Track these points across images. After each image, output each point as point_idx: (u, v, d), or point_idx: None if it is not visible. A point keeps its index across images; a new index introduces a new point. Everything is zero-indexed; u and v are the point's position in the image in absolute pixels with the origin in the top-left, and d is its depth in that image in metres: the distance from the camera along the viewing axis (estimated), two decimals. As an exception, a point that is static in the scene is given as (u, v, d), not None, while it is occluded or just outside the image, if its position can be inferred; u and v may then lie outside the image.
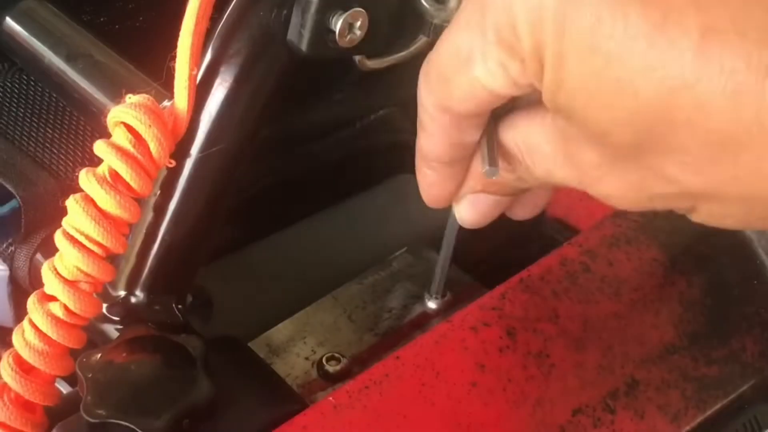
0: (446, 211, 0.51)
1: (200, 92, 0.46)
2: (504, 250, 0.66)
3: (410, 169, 0.68)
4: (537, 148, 0.38)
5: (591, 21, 0.31)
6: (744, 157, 0.30)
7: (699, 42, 0.29)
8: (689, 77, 0.29)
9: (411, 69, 0.66)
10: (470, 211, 0.43)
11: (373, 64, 0.49)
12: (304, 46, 0.44)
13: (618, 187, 0.35)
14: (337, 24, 0.44)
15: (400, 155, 0.71)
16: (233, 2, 0.46)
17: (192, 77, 0.44)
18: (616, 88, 0.31)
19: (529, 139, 0.38)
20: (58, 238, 0.43)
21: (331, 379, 0.51)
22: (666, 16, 0.30)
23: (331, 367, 0.51)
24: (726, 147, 0.30)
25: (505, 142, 0.39)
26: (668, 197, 0.34)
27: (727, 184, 0.31)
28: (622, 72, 0.30)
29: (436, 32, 0.47)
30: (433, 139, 0.40)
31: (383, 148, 0.70)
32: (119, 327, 0.47)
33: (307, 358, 0.52)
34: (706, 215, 0.34)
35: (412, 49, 0.49)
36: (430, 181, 0.42)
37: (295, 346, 0.53)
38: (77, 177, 0.52)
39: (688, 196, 0.33)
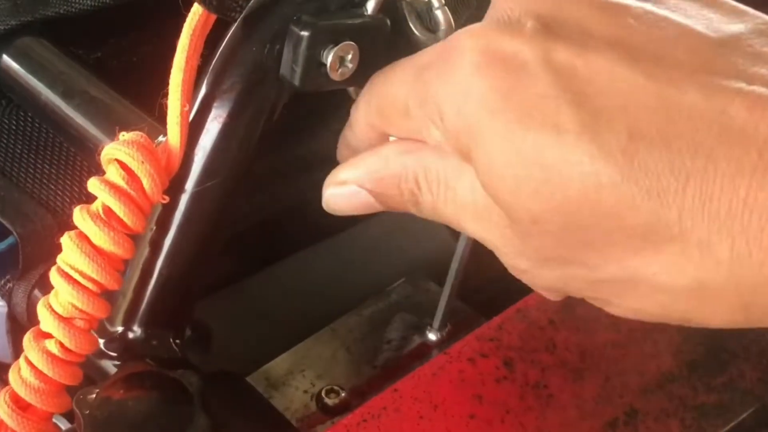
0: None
1: (194, 127, 0.46)
2: (502, 279, 0.66)
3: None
4: (457, 192, 0.38)
5: (518, 116, 0.33)
6: (664, 252, 0.31)
7: (626, 144, 0.31)
8: (615, 176, 0.31)
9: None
10: (343, 200, 0.44)
11: None
12: (296, 81, 0.45)
13: (537, 270, 0.36)
14: (328, 58, 0.44)
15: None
16: (226, 38, 0.47)
17: (184, 113, 0.44)
18: (543, 178, 0.32)
19: (452, 179, 0.38)
20: (53, 275, 0.43)
21: (331, 413, 0.51)
22: (596, 119, 0.31)
23: (330, 400, 0.51)
24: (649, 241, 0.31)
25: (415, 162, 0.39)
26: (585, 283, 0.35)
27: (645, 275, 0.32)
28: (549, 163, 0.32)
29: None
30: (356, 135, 0.43)
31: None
32: (117, 363, 0.47)
33: (306, 392, 0.52)
34: (622, 308, 0.35)
35: None
36: (344, 156, 0.46)
37: (293, 380, 0.52)
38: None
39: (605, 285, 0.34)
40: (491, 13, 0.36)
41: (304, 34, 0.44)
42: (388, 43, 0.47)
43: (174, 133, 0.44)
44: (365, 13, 0.45)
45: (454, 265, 0.51)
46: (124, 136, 0.44)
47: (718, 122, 0.31)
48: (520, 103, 0.33)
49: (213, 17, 0.45)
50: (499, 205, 0.35)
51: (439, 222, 0.40)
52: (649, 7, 0.34)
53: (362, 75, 0.46)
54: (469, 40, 0.35)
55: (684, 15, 0.34)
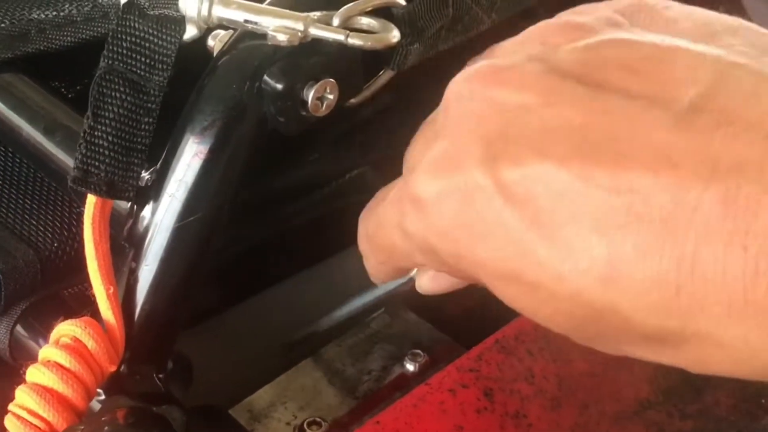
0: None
1: (176, 162, 0.47)
2: (479, 308, 0.67)
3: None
4: None
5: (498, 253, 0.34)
6: (685, 348, 0.31)
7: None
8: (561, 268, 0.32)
9: (382, 129, 0.67)
10: (432, 284, 0.45)
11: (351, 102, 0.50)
12: (287, 131, 0.47)
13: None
14: (308, 96, 0.45)
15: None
16: (204, 74, 0.47)
17: (111, 296, 0.46)
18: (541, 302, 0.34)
19: None
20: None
21: (313, 445, 0.51)
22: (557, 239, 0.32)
23: (313, 432, 0.51)
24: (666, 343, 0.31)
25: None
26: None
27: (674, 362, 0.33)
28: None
29: (399, 65, 0.48)
30: (377, 271, 0.46)
31: (358, 208, 0.71)
32: (101, 398, 0.47)
33: (288, 424, 0.52)
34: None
35: (380, 81, 0.50)
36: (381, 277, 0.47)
37: (276, 411, 0.53)
38: (56, 249, 0.54)
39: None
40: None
41: (279, 86, 0.45)
42: (360, 62, 0.48)
43: (109, 317, 0.46)
44: (332, 45, 0.45)
45: None
46: (60, 330, 0.46)
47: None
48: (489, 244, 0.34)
49: (109, 202, 0.47)
50: None
51: None
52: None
53: (343, 99, 0.47)
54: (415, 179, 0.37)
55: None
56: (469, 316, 0.64)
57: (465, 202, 0.34)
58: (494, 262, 0.34)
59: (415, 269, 0.45)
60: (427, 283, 0.45)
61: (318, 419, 0.52)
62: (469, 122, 0.35)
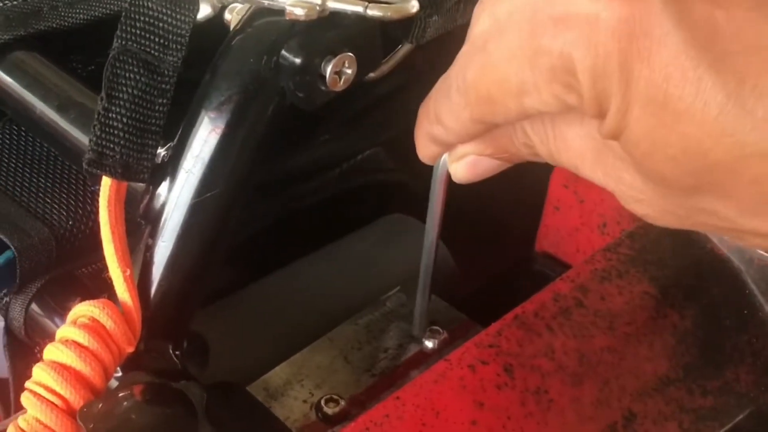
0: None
1: (193, 138, 0.47)
2: (495, 286, 0.67)
3: (398, 208, 0.69)
4: (569, 141, 0.36)
5: (660, 80, 0.30)
6: None
7: None
8: (764, 145, 0.29)
9: (393, 109, 0.67)
10: (469, 171, 0.41)
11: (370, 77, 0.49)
12: (307, 106, 0.46)
13: (660, 212, 0.34)
14: (327, 70, 0.45)
15: (388, 195, 0.72)
16: (221, 50, 0.47)
17: (127, 278, 0.46)
18: (684, 146, 0.30)
19: (561, 128, 0.36)
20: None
21: (331, 422, 0.51)
22: (741, 83, 0.29)
23: (330, 409, 0.51)
24: None
25: (530, 116, 0.36)
26: (717, 229, 0.33)
27: None
28: (692, 132, 0.30)
29: (418, 38, 0.48)
30: (452, 133, 0.39)
31: (371, 187, 0.70)
32: (118, 375, 0.47)
33: (305, 401, 0.52)
34: (755, 244, 0.34)
35: (399, 55, 0.49)
36: (432, 153, 0.42)
37: (292, 389, 0.53)
38: (71, 228, 0.53)
39: (739, 232, 0.33)
40: None
41: (298, 60, 0.44)
42: (379, 36, 0.47)
43: (126, 299, 0.46)
44: (350, 18, 0.45)
45: (424, 268, 0.52)
46: (77, 311, 0.45)
47: None
48: (656, 66, 0.30)
49: (124, 184, 0.47)
50: (632, 161, 0.33)
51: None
52: None
53: (362, 74, 0.47)
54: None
55: None
56: (484, 294, 0.64)
57: (635, 30, 0.30)
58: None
59: (446, 155, 0.41)
60: (464, 169, 0.41)
61: (335, 396, 0.52)
62: None
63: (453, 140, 0.39)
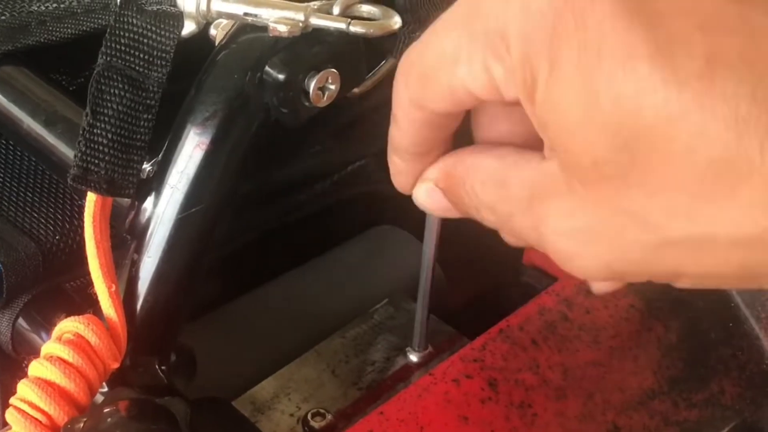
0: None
1: (178, 153, 0.47)
2: (483, 299, 0.67)
3: (388, 219, 0.69)
4: (511, 185, 0.36)
5: (594, 39, 0.30)
6: (743, 192, 0.29)
7: (704, 68, 0.28)
8: (691, 103, 0.28)
9: (384, 119, 0.67)
10: (427, 201, 0.41)
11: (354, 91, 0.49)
12: (292, 123, 0.46)
13: (586, 241, 0.33)
14: (310, 86, 0.45)
15: (378, 206, 0.72)
16: (205, 66, 0.47)
17: (113, 293, 0.46)
18: (613, 109, 0.30)
19: (508, 173, 0.36)
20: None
21: (317, 436, 0.51)
22: (670, 41, 0.29)
23: (317, 423, 0.51)
24: (724, 179, 0.29)
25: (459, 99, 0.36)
26: (648, 251, 0.31)
27: (720, 225, 0.29)
28: (621, 92, 0.29)
29: (401, 53, 0.48)
30: (405, 132, 0.39)
31: (360, 199, 0.70)
32: (104, 390, 0.47)
33: (292, 415, 0.52)
34: (692, 278, 0.32)
35: (383, 70, 0.50)
36: (399, 169, 0.41)
37: (279, 403, 0.53)
38: (58, 242, 0.53)
39: (672, 250, 0.31)
40: None
41: (281, 76, 0.45)
42: (363, 52, 0.47)
43: (111, 314, 0.46)
44: (333, 34, 0.45)
45: (422, 285, 0.52)
46: (62, 327, 0.45)
47: None
48: (589, 27, 0.30)
49: (110, 199, 0.47)
50: (557, 148, 0.32)
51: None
52: None
53: (345, 90, 0.47)
54: None
55: None
56: (472, 306, 0.64)
57: None
58: None
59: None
60: (423, 195, 0.41)
61: (322, 410, 0.52)
62: None
63: (406, 145, 0.39)
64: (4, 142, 0.59)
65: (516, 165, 0.36)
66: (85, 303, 0.53)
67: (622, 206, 0.31)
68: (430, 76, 0.36)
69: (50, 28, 0.58)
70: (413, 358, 0.55)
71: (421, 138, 0.39)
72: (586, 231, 0.33)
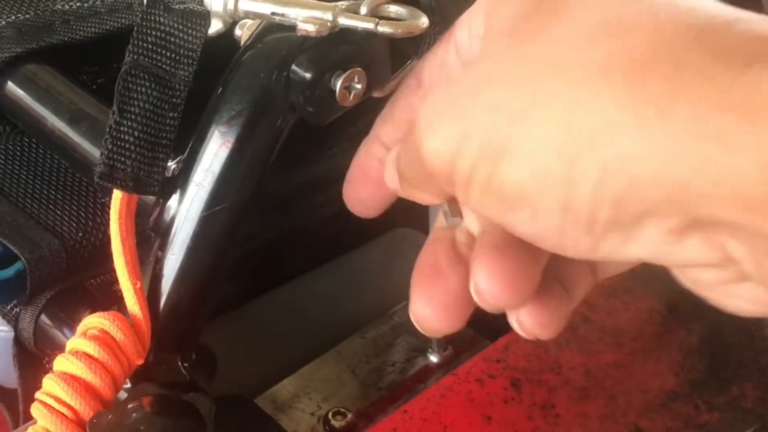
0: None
1: (203, 151, 0.47)
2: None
3: (406, 222, 0.70)
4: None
5: None
6: None
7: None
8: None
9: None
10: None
11: (377, 94, 0.50)
12: (317, 121, 0.46)
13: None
14: (337, 85, 0.45)
15: (396, 209, 0.72)
16: (231, 65, 0.47)
17: (137, 290, 0.46)
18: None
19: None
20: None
21: (338, 435, 0.51)
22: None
23: (337, 422, 0.51)
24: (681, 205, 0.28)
25: None
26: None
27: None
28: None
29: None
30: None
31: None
32: (127, 387, 0.48)
33: (312, 414, 0.52)
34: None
35: (408, 71, 0.50)
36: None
37: (300, 402, 0.53)
38: (81, 239, 0.54)
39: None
40: None
41: (308, 75, 0.45)
42: (388, 52, 0.48)
43: (136, 311, 0.46)
44: (360, 34, 0.45)
45: None
46: (87, 323, 0.45)
47: None
48: None
49: (135, 197, 0.47)
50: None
51: None
52: None
53: (371, 90, 0.47)
54: None
55: None
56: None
57: None
58: None
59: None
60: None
61: (342, 410, 0.52)
62: None
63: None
64: (27, 140, 0.59)
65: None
66: (107, 300, 0.53)
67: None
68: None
69: (74, 27, 0.58)
70: (433, 359, 0.55)
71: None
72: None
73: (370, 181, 0.45)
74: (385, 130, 0.45)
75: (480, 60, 0.35)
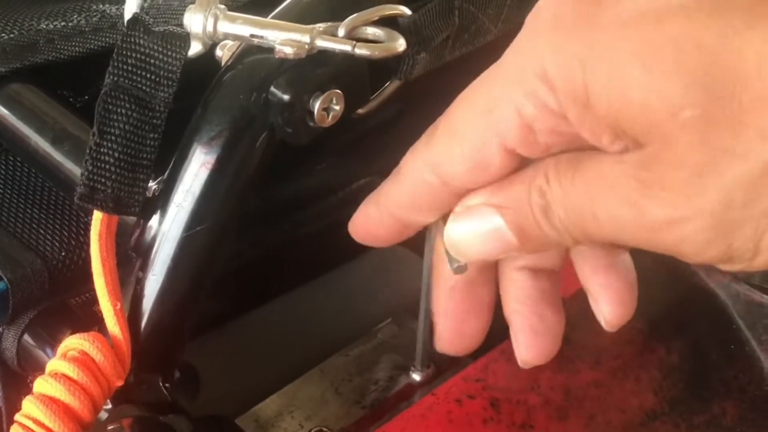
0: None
1: (184, 172, 0.47)
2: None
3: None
4: (589, 175, 0.35)
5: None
6: None
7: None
8: None
9: (388, 138, 0.68)
10: (479, 238, 0.38)
11: (360, 111, 0.50)
12: (297, 141, 0.46)
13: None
14: (315, 106, 0.45)
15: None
16: (211, 86, 0.48)
17: (117, 311, 0.46)
18: (693, 61, 0.31)
19: (582, 164, 0.35)
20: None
21: (320, 454, 0.51)
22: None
23: (319, 441, 0.51)
24: None
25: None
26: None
27: None
28: (701, 41, 0.31)
29: (406, 75, 0.48)
30: (405, 191, 0.40)
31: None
32: (107, 407, 0.48)
33: (294, 433, 0.52)
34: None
35: (388, 91, 0.50)
36: (374, 218, 0.44)
37: (282, 421, 0.53)
38: (64, 259, 0.54)
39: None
40: None
41: (286, 97, 0.45)
42: (366, 73, 0.48)
43: (116, 332, 0.46)
44: (338, 56, 0.45)
45: (423, 303, 0.52)
46: (67, 344, 0.46)
47: None
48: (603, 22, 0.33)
49: (116, 218, 0.48)
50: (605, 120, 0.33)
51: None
52: None
53: (350, 111, 0.47)
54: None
55: None
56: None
57: None
58: None
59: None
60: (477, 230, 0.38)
61: (325, 429, 0.52)
62: None
63: (401, 202, 0.41)
64: (11, 158, 0.59)
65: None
66: (89, 319, 0.53)
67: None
68: (456, 132, 0.36)
69: (58, 46, 0.59)
70: (416, 377, 0.55)
71: (421, 201, 0.40)
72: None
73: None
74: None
75: None
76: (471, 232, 0.39)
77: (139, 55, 0.47)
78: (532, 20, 0.36)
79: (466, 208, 0.39)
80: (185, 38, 0.47)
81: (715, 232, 0.32)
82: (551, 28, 0.34)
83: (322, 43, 0.45)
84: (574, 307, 0.52)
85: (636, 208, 0.33)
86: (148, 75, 0.47)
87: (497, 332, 0.53)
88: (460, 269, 0.39)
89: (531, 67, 0.34)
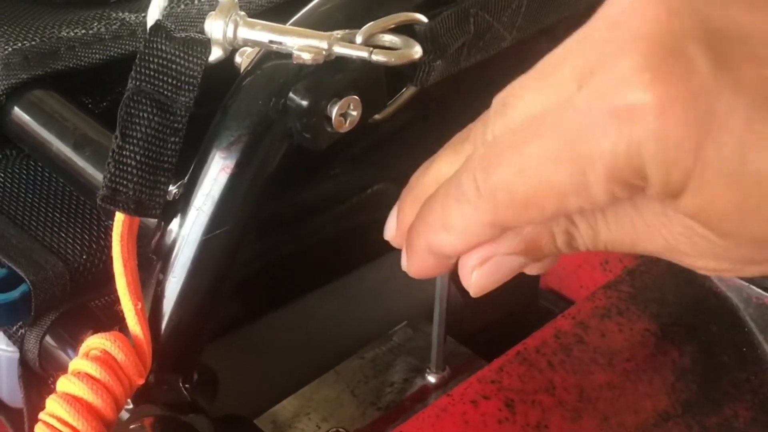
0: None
1: (203, 176, 0.48)
2: (501, 321, 0.68)
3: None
4: (624, 222, 0.34)
5: (736, 152, 0.29)
6: None
7: None
8: None
9: (403, 145, 0.68)
10: (492, 276, 0.38)
11: (377, 117, 0.50)
12: (314, 147, 0.47)
13: (735, 266, 0.33)
14: (332, 112, 0.46)
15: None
16: (231, 91, 0.49)
17: (139, 311, 0.47)
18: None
19: (616, 212, 0.34)
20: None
21: (336, 454, 0.52)
22: None
23: (336, 442, 0.52)
24: None
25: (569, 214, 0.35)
26: None
27: None
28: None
29: (422, 82, 0.49)
30: (459, 242, 0.37)
31: (380, 223, 0.71)
32: (128, 407, 0.48)
33: (311, 434, 0.53)
34: None
35: (404, 97, 0.51)
36: (431, 264, 0.40)
37: (299, 422, 0.54)
38: (85, 261, 0.55)
39: None
40: None
41: (304, 103, 0.46)
42: (384, 78, 0.49)
43: (137, 332, 0.47)
44: (356, 62, 0.46)
45: (438, 307, 0.53)
46: (89, 344, 0.46)
47: None
48: (728, 139, 0.29)
49: (137, 220, 0.48)
50: (709, 228, 0.31)
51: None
52: None
53: (367, 116, 0.48)
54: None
55: None
56: (490, 329, 0.65)
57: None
58: None
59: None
60: (487, 273, 0.38)
61: (341, 430, 0.53)
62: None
63: (461, 248, 0.37)
64: (33, 164, 0.60)
65: None
66: (110, 321, 0.54)
67: None
68: (531, 204, 0.33)
69: (79, 54, 0.60)
70: (431, 379, 0.56)
71: (477, 244, 0.37)
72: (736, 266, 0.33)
73: None
74: None
75: None
76: (492, 276, 0.38)
77: (161, 60, 0.47)
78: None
79: (481, 261, 0.38)
80: (206, 44, 0.48)
81: None
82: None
83: (340, 50, 0.45)
84: (588, 309, 0.53)
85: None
86: (170, 80, 0.48)
87: (512, 332, 0.54)
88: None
89: (628, 160, 0.30)
